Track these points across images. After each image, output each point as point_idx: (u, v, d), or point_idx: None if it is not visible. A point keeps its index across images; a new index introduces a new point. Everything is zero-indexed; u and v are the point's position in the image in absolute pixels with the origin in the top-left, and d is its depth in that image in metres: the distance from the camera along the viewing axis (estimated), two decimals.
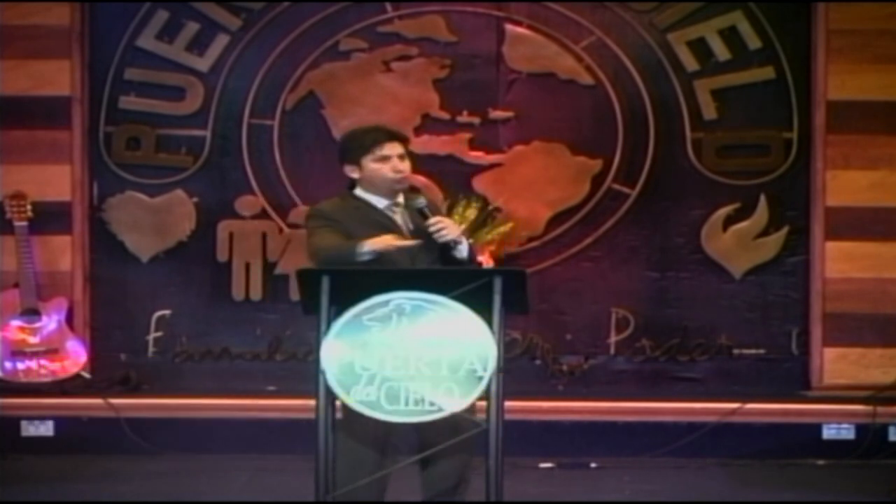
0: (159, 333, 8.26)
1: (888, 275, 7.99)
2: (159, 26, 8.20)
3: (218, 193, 8.28)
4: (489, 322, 4.54)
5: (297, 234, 8.21)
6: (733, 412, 7.45)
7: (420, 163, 8.09)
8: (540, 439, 7.36)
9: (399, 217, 5.12)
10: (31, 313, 7.98)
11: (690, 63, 8.13)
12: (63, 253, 8.16)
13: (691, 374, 8.18)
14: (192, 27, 8.21)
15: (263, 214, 8.25)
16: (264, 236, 8.24)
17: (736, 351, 8.16)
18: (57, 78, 8.10)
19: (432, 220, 5.01)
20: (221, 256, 8.25)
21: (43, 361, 7.93)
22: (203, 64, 8.23)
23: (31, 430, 7.53)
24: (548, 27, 8.17)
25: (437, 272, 4.80)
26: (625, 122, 8.15)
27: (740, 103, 8.14)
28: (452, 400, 4.50)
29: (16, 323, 7.97)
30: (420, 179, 8.12)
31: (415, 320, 4.54)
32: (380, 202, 5.11)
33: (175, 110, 8.24)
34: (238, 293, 8.24)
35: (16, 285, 7.99)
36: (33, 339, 7.96)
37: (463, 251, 4.99)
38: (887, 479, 6.82)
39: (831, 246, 8.02)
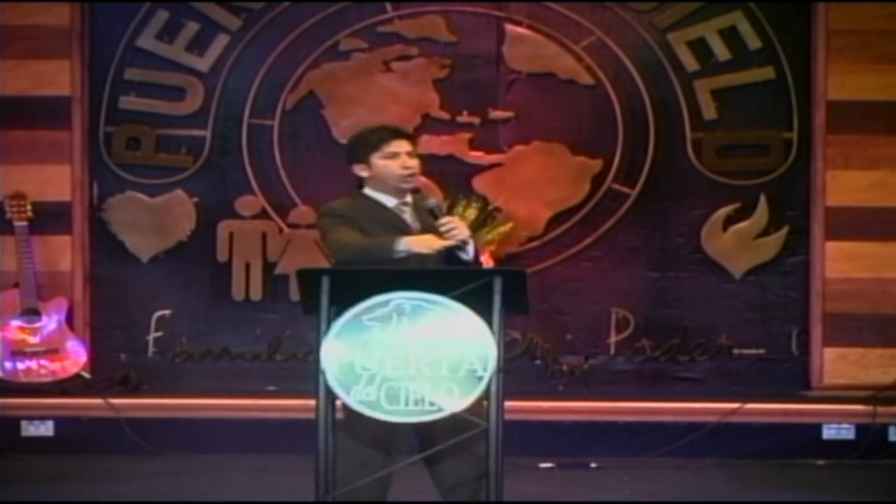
0: (159, 333, 8.26)
1: (888, 275, 7.99)
2: (159, 26, 8.20)
3: (218, 193, 8.28)
4: (489, 322, 4.54)
5: (297, 234, 8.22)
6: (733, 412, 7.45)
7: (420, 163, 8.12)
8: (540, 439, 7.36)
9: (408, 216, 5.12)
10: (31, 313, 7.98)
11: (690, 63, 8.13)
12: (63, 253, 8.16)
13: (691, 374, 8.18)
14: (192, 27, 8.21)
15: (263, 214, 8.25)
16: (264, 236, 8.25)
17: (736, 351, 8.16)
18: (57, 78, 8.10)
19: (444, 220, 5.01)
20: (221, 256, 8.25)
21: (43, 361, 7.93)
22: (203, 64, 8.23)
23: (31, 430, 7.53)
24: (548, 27, 8.17)
25: (438, 272, 4.80)
26: (625, 122, 8.15)
27: (740, 103, 8.14)
28: (452, 400, 4.49)
29: (16, 323, 7.97)
30: (420, 180, 8.12)
31: (415, 320, 4.53)
32: (389, 201, 5.11)
33: (175, 110, 8.24)
34: (238, 293, 8.25)
35: (16, 285, 7.99)
36: (33, 339, 7.96)
37: (470, 252, 4.99)
38: (887, 479, 6.82)
39: (831, 246, 8.02)
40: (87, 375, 7.99)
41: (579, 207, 8.19)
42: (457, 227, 4.99)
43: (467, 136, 8.17)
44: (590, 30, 8.16)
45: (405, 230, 5.02)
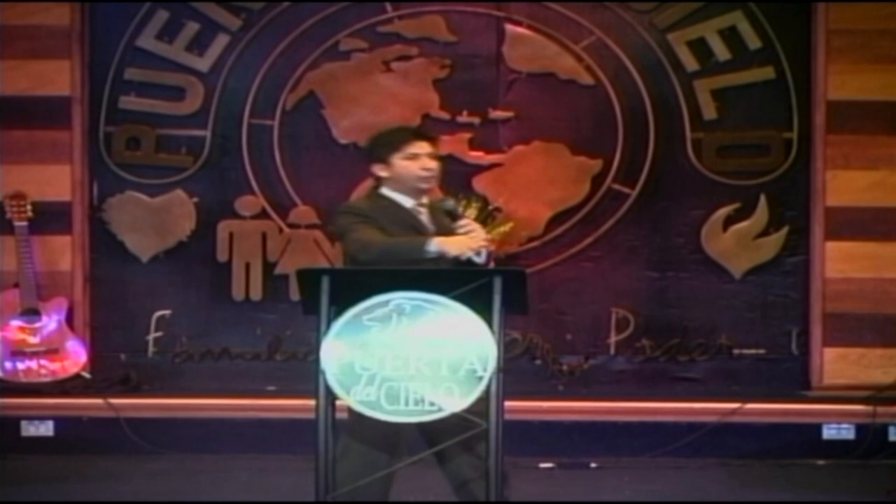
0: (159, 333, 8.26)
1: (888, 275, 7.99)
2: (159, 26, 8.20)
3: (218, 193, 8.28)
4: (489, 322, 4.54)
5: (297, 234, 8.22)
6: (733, 412, 7.45)
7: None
8: (540, 439, 7.36)
9: (424, 217, 5.13)
10: (31, 313, 7.98)
11: (690, 63, 8.13)
12: (63, 253, 8.16)
13: (691, 374, 8.18)
14: (192, 27, 8.21)
15: (263, 214, 8.25)
16: (264, 236, 8.25)
17: (736, 351, 8.16)
18: (57, 78, 8.10)
19: (462, 221, 5.03)
20: (221, 256, 8.25)
21: (43, 361, 7.94)
22: (203, 64, 8.23)
23: (31, 430, 7.53)
24: (548, 27, 8.17)
25: (438, 272, 4.80)
26: (625, 122, 8.15)
27: (740, 103, 8.14)
28: (452, 400, 4.49)
29: (16, 323, 7.97)
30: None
31: (415, 320, 4.53)
32: (407, 202, 5.12)
33: (175, 110, 8.24)
34: (238, 293, 8.25)
35: (16, 285, 7.99)
36: (33, 339, 7.96)
37: (483, 255, 5.00)
38: (887, 479, 6.82)
39: (831, 246, 8.02)
40: (87, 375, 7.99)
41: (579, 207, 8.19)
42: (475, 230, 5.01)
43: (467, 136, 8.17)
44: (590, 30, 8.16)
45: (421, 231, 5.04)
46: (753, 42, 8.10)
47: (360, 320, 4.54)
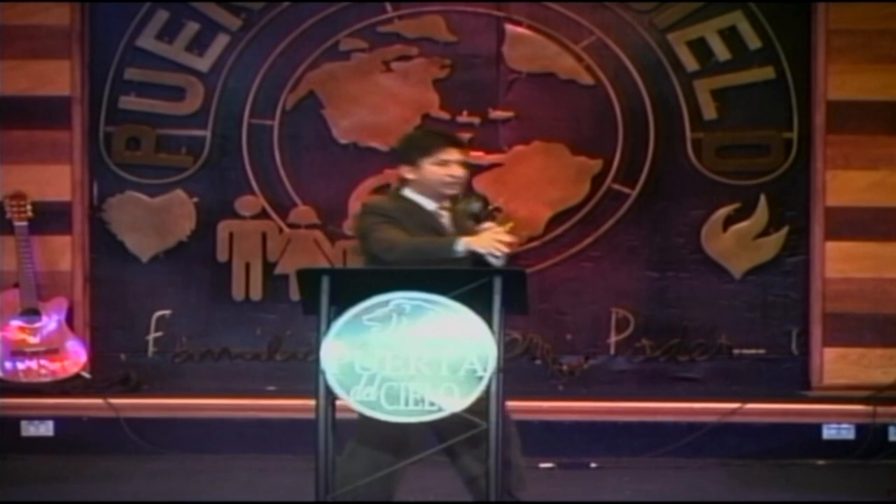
0: (159, 333, 8.26)
1: (888, 275, 7.99)
2: (159, 26, 8.20)
3: (218, 193, 8.28)
4: (489, 322, 4.54)
5: (297, 234, 8.22)
6: (733, 412, 7.45)
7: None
8: (540, 439, 7.34)
9: (445, 220, 5.15)
10: (31, 313, 7.98)
11: (690, 63, 8.13)
12: (63, 253, 8.16)
13: (691, 374, 8.18)
14: (192, 27, 8.21)
15: (263, 214, 8.25)
16: (264, 236, 8.25)
17: (736, 351, 8.16)
18: (57, 78, 8.10)
19: (486, 224, 5.05)
20: (221, 256, 8.25)
21: (43, 361, 7.94)
22: (203, 64, 8.23)
23: (31, 430, 7.53)
24: (548, 27, 8.17)
25: (437, 272, 4.80)
26: (625, 122, 8.15)
27: (740, 103, 8.14)
28: (452, 400, 4.49)
29: (16, 323, 7.97)
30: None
31: (415, 320, 4.53)
32: (429, 204, 5.15)
33: (175, 110, 8.24)
34: (238, 293, 8.25)
35: (16, 285, 7.99)
36: (33, 339, 7.96)
37: (502, 259, 5.01)
38: (887, 479, 6.82)
39: (831, 246, 8.02)
40: (87, 375, 7.99)
41: (579, 207, 8.19)
42: (500, 231, 5.02)
43: (467, 136, 8.15)
44: (590, 30, 8.16)
45: (442, 234, 5.06)
46: (753, 42, 8.10)
47: (360, 320, 4.54)
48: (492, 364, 4.50)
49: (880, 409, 7.42)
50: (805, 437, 7.43)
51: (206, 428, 7.49)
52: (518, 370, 7.83)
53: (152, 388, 8.05)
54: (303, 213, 8.23)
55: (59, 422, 7.54)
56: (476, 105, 8.19)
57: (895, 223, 7.97)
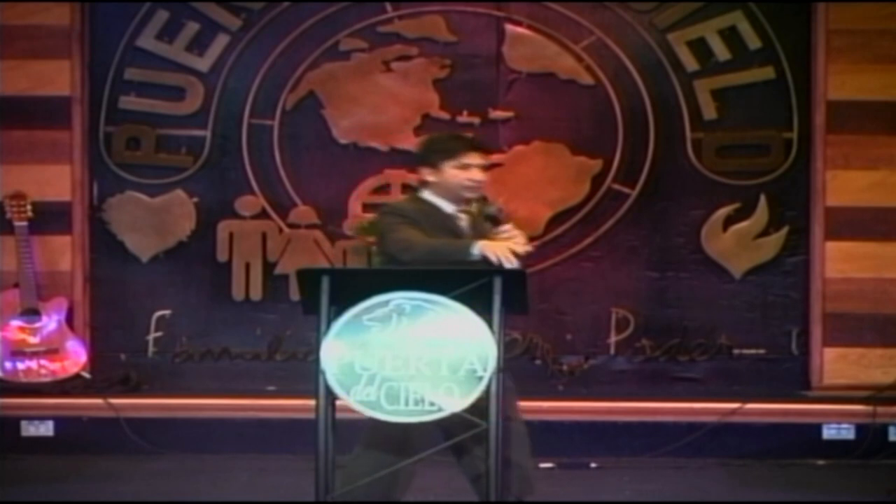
0: (159, 333, 8.26)
1: (888, 275, 7.99)
2: (159, 26, 8.20)
3: (218, 193, 8.28)
4: (489, 322, 4.54)
5: (297, 234, 8.22)
6: (733, 412, 7.45)
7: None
8: (540, 439, 7.32)
9: (464, 223, 5.16)
10: (31, 313, 7.98)
11: (690, 63, 8.13)
12: (63, 253, 8.16)
13: (691, 374, 8.18)
14: (192, 27, 8.21)
15: (263, 214, 8.25)
16: (264, 236, 8.25)
17: (736, 351, 8.16)
18: (57, 78, 8.10)
19: (505, 227, 5.05)
20: (221, 256, 8.25)
21: (43, 361, 7.94)
22: (203, 64, 8.23)
23: (31, 430, 7.52)
24: (548, 27, 8.17)
25: (438, 272, 4.80)
26: (625, 122, 8.15)
27: (740, 103, 8.14)
28: (452, 400, 4.49)
29: (16, 323, 7.97)
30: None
31: (415, 320, 4.54)
32: (448, 207, 5.16)
33: (175, 110, 8.24)
34: (238, 293, 8.25)
35: (16, 285, 7.99)
36: (33, 339, 7.96)
37: (516, 263, 5.00)
38: (887, 479, 6.82)
39: (831, 246, 8.02)
40: (87, 375, 7.99)
41: (579, 207, 8.19)
42: (516, 236, 5.02)
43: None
44: (590, 30, 8.16)
45: (459, 236, 5.06)
46: (753, 42, 8.10)
47: (360, 320, 4.54)
48: (492, 364, 4.50)
49: (880, 409, 7.42)
50: (805, 437, 7.43)
51: (206, 428, 7.49)
52: (518, 370, 7.76)
53: (152, 388, 8.05)
54: (303, 213, 8.23)
55: (59, 422, 7.54)
56: (476, 105, 8.19)
57: (895, 223, 7.97)
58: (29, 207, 7.96)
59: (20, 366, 7.93)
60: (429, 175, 5.18)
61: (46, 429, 7.52)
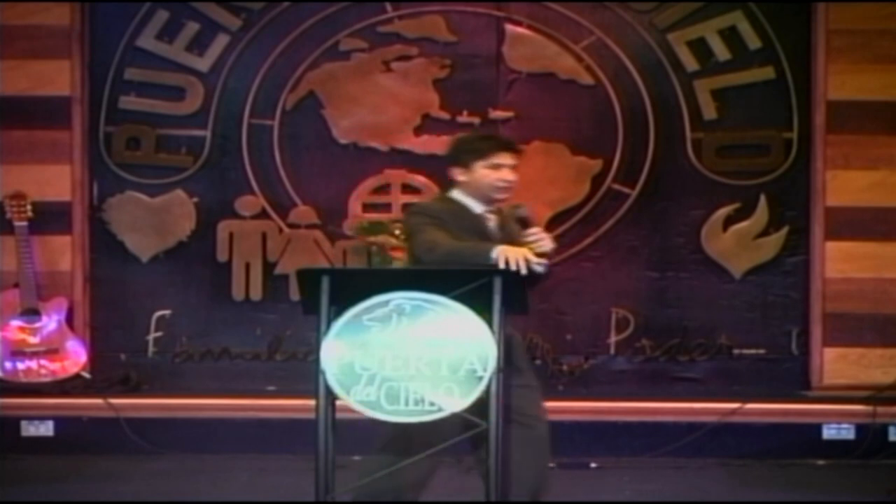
0: (159, 333, 8.26)
1: (888, 275, 7.99)
2: (159, 26, 8.20)
3: (218, 193, 8.28)
4: (489, 322, 4.53)
5: (297, 234, 8.22)
6: (733, 412, 7.45)
7: (420, 163, 8.12)
8: None
9: (492, 224, 5.14)
10: (31, 313, 7.98)
11: (690, 63, 8.13)
12: (63, 253, 8.16)
13: (691, 374, 8.18)
14: (192, 27, 8.21)
15: (263, 214, 8.25)
16: (264, 236, 8.25)
17: (736, 351, 8.16)
18: (57, 78, 8.10)
19: (533, 229, 5.03)
20: (221, 256, 8.25)
21: (43, 361, 7.94)
22: (203, 64, 8.23)
23: (31, 430, 7.52)
24: (548, 27, 8.17)
25: (437, 272, 4.79)
26: (625, 122, 8.15)
27: (740, 103, 8.14)
28: (452, 400, 4.49)
29: (16, 323, 7.97)
30: (419, 179, 8.14)
31: (415, 320, 4.53)
32: (477, 207, 5.13)
33: (175, 110, 8.24)
34: (238, 293, 8.25)
35: (16, 285, 7.99)
36: (33, 339, 7.96)
37: (545, 266, 4.99)
38: (887, 479, 6.82)
39: (831, 246, 8.02)
40: (87, 375, 7.99)
41: (579, 207, 8.19)
42: (544, 239, 5.00)
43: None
44: (590, 30, 8.16)
45: (488, 237, 5.04)
46: (753, 42, 8.10)
47: (360, 320, 4.54)
48: (492, 364, 4.49)
49: (880, 409, 7.42)
50: (805, 437, 7.43)
51: (206, 428, 7.49)
52: None
53: (152, 388, 8.05)
54: (303, 213, 8.23)
55: (59, 422, 7.54)
56: (476, 105, 8.19)
57: (895, 223, 7.97)
58: (29, 207, 7.96)
59: (20, 366, 7.93)
60: (459, 175, 5.14)
61: (46, 429, 7.53)
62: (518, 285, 4.68)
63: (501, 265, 4.67)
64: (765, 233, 8.15)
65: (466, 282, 4.56)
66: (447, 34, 8.21)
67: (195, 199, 8.26)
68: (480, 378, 4.49)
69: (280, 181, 8.24)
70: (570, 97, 8.19)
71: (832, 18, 7.96)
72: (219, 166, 8.28)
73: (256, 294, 8.24)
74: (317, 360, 4.56)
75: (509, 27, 8.18)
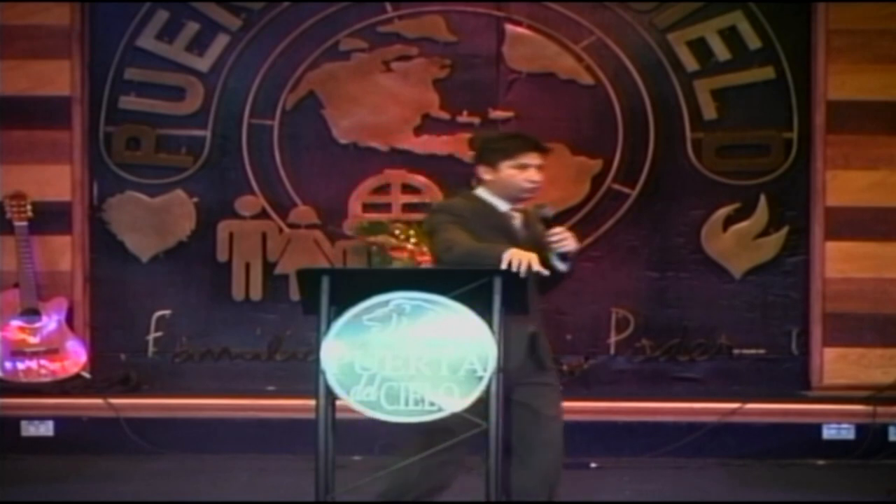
0: (159, 333, 8.26)
1: (888, 275, 7.99)
2: (159, 26, 8.20)
3: (218, 193, 8.28)
4: (489, 322, 4.53)
5: (297, 234, 8.22)
6: (733, 412, 7.45)
7: (420, 163, 8.13)
8: None
9: (517, 222, 5.13)
10: (31, 313, 7.98)
11: (690, 63, 8.13)
12: (63, 253, 8.16)
13: (691, 374, 8.18)
14: (192, 27, 8.21)
15: (263, 214, 8.25)
16: (264, 236, 8.25)
17: (736, 351, 8.16)
18: (57, 78, 8.10)
19: (557, 229, 5.03)
20: (221, 256, 8.25)
21: (43, 361, 7.94)
22: (203, 64, 8.23)
23: (31, 430, 7.52)
24: (548, 27, 8.17)
25: (438, 272, 4.79)
26: (625, 122, 8.15)
27: (740, 103, 8.14)
28: (452, 400, 4.49)
29: (16, 323, 7.97)
30: (419, 179, 8.14)
31: (415, 320, 4.53)
32: (502, 206, 5.11)
33: (175, 110, 8.24)
34: (238, 293, 8.25)
35: (16, 285, 7.99)
36: (33, 339, 7.96)
37: (569, 265, 4.98)
38: (887, 479, 6.82)
39: (831, 246, 8.02)
40: (87, 375, 7.99)
41: (579, 207, 8.18)
42: (567, 239, 4.99)
43: (467, 136, 8.15)
44: (590, 30, 8.16)
45: (512, 235, 5.03)
46: (753, 42, 8.10)
47: (360, 320, 4.54)
48: (492, 364, 4.49)
49: (880, 409, 7.42)
50: (805, 437, 7.43)
51: (206, 428, 7.49)
52: None
53: (152, 388, 8.05)
54: (303, 213, 8.22)
55: (59, 422, 7.54)
56: (476, 105, 8.19)
57: (895, 223, 7.97)
58: (29, 207, 7.96)
59: (20, 366, 7.93)
60: (485, 173, 5.13)
61: (46, 429, 7.53)
62: (518, 286, 4.68)
63: (503, 265, 4.67)
64: (765, 233, 8.15)
65: (466, 282, 4.56)
66: (447, 34, 8.21)
67: (195, 199, 8.26)
68: (480, 378, 4.49)
69: (280, 181, 8.24)
70: (570, 97, 8.19)
71: (832, 18, 7.96)
72: (219, 166, 8.28)
73: (256, 294, 8.24)
74: (317, 360, 4.56)
75: (509, 27, 8.18)
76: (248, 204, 8.25)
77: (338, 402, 4.58)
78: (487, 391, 4.50)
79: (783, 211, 8.15)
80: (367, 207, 8.20)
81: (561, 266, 4.96)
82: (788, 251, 8.15)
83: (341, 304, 4.57)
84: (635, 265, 8.21)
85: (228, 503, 6.45)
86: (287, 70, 8.21)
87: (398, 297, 4.54)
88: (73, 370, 7.95)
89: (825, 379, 8.00)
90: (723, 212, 8.14)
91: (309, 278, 4.69)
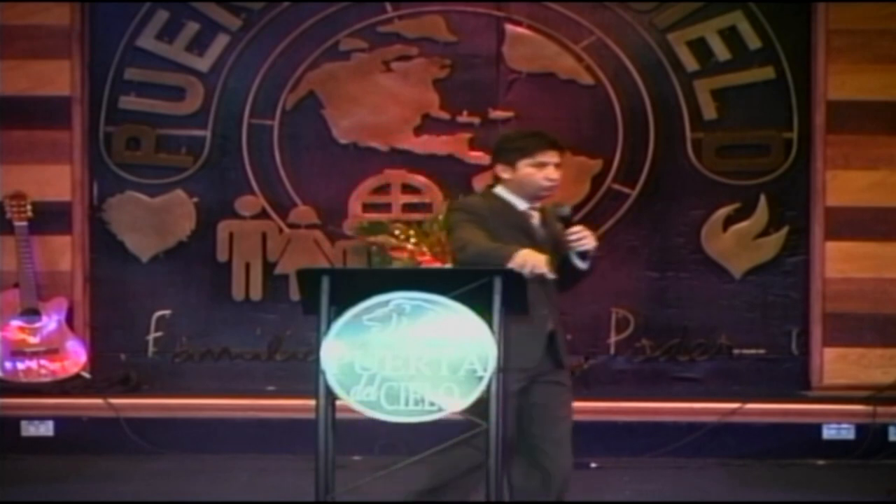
0: (159, 333, 8.26)
1: (888, 275, 7.99)
2: (159, 26, 8.20)
3: (218, 193, 8.28)
4: (489, 322, 4.53)
5: (297, 234, 8.22)
6: (733, 412, 7.45)
7: (420, 163, 8.13)
8: None
9: (535, 221, 5.12)
10: (31, 313, 7.98)
11: (690, 63, 8.14)
12: (63, 253, 8.16)
13: (691, 374, 8.18)
14: (192, 27, 8.21)
15: (263, 214, 8.25)
16: (264, 236, 8.25)
17: (736, 351, 8.16)
18: (57, 78, 8.10)
19: (576, 228, 5.01)
20: (221, 256, 8.25)
21: (43, 361, 7.94)
22: (203, 64, 8.23)
23: (31, 430, 7.52)
24: (548, 27, 8.17)
25: (438, 272, 4.79)
26: (625, 122, 8.15)
27: (740, 103, 8.14)
28: (452, 400, 4.49)
29: (16, 323, 7.97)
30: (419, 179, 8.14)
31: (415, 320, 4.53)
32: (520, 204, 5.11)
33: (175, 110, 8.24)
34: (238, 293, 8.25)
35: (16, 285, 7.99)
36: (33, 339, 7.96)
37: (588, 263, 4.98)
38: (887, 479, 6.82)
39: (831, 246, 8.02)
40: (87, 375, 7.99)
41: (579, 207, 8.17)
42: (586, 238, 4.98)
43: (467, 136, 8.17)
44: (590, 30, 8.16)
45: (531, 234, 5.02)
46: (753, 42, 8.10)
47: (360, 320, 4.54)
48: (492, 364, 4.49)
49: (880, 409, 7.43)
50: (805, 437, 7.43)
51: (206, 428, 7.49)
52: None
53: (152, 388, 8.05)
54: (303, 213, 8.23)
55: (59, 422, 7.54)
56: (476, 105, 8.19)
57: (895, 223, 7.97)
58: (29, 207, 7.96)
59: (20, 366, 7.93)
60: (504, 172, 5.13)
61: (46, 429, 7.53)
62: (518, 286, 4.68)
63: (509, 265, 4.68)
64: (765, 233, 8.15)
65: (466, 282, 4.56)
66: (447, 34, 8.21)
67: (195, 199, 8.26)
68: (480, 378, 4.49)
69: (280, 181, 8.24)
70: (570, 97, 8.19)
71: (832, 18, 7.96)
72: (219, 166, 8.28)
73: (256, 294, 8.24)
74: (317, 360, 4.56)
75: (509, 27, 8.18)
76: (248, 204, 8.25)
77: (338, 402, 4.58)
78: (487, 391, 4.50)
79: (783, 211, 8.15)
80: (367, 207, 8.21)
81: (581, 264, 4.95)
82: (788, 251, 8.15)
83: (341, 304, 4.57)
84: (635, 265, 8.21)
85: (228, 503, 6.45)
86: (287, 70, 8.21)
87: (398, 297, 4.54)
88: (73, 370, 7.95)
89: (825, 379, 8.00)
90: (723, 212, 8.14)
91: (309, 278, 4.69)
